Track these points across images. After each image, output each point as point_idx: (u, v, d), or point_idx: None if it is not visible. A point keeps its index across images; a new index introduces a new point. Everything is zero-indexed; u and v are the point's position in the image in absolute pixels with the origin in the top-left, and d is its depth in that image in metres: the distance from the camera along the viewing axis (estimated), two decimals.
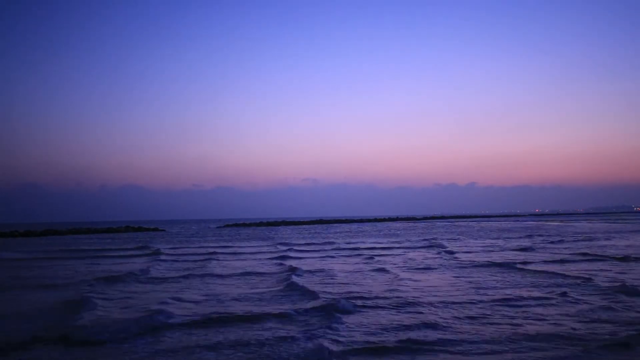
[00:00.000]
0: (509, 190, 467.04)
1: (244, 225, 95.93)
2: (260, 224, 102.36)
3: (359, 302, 11.23)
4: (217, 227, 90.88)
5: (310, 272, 17.48)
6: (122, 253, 29.56)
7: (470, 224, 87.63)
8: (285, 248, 30.60)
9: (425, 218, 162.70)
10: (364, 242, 35.21)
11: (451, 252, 25.08)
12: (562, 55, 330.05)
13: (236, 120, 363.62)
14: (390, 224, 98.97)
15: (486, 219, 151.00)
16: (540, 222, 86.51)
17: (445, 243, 32.30)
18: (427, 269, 18.18)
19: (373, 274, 16.77)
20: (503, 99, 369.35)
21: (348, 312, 10.18)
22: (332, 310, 10.14)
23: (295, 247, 30.99)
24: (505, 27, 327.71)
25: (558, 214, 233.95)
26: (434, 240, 35.29)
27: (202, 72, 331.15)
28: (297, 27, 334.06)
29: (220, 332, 8.73)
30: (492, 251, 25.64)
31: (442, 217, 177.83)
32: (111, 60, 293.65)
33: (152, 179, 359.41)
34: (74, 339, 8.33)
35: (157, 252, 28.64)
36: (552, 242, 31.48)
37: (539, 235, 40.30)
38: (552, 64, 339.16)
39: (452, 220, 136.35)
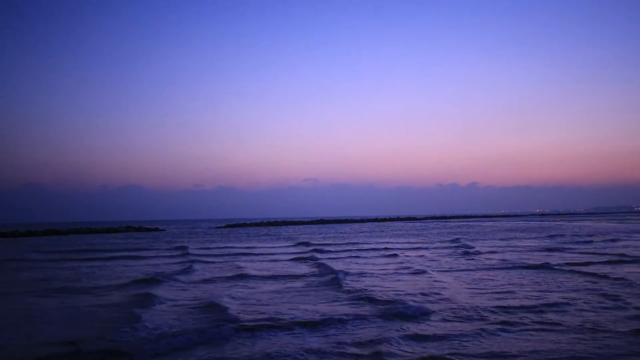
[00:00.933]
0: (509, 190, 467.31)
1: (251, 225, 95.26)
2: (267, 223, 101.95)
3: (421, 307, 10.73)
4: (219, 227, 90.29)
5: (347, 273, 16.86)
6: (151, 254, 28.78)
7: (479, 223, 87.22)
8: (309, 249, 30.01)
9: (426, 218, 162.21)
10: (387, 242, 34.73)
11: (479, 253, 24.75)
12: (563, 55, 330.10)
13: (237, 120, 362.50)
14: (398, 223, 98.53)
15: (489, 219, 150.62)
16: (545, 222, 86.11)
17: (469, 243, 31.84)
18: (466, 270, 17.66)
19: (414, 276, 16.10)
20: (504, 99, 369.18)
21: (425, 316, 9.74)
22: (405, 315, 9.71)
23: (319, 248, 30.39)
24: (505, 27, 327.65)
25: (558, 214, 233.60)
26: (458, 241, 34.71)
27: (203, 72, 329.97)
28: (299, 26, 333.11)
29: (307, 336, 8.21)
30: (521, 251, 25.19)
31: (443, 218, 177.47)
32: (112, 60, 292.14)
33: (152, 179, 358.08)
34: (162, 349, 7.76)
35: (186, 253, 28.12)
36: (578, 242, 30.96)
37: (560, 235, 39.77)
38: (553, 63, 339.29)
39: (459, 220, 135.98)
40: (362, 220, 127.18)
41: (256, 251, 29.13)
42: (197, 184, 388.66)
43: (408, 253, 25.53)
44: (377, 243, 34.33)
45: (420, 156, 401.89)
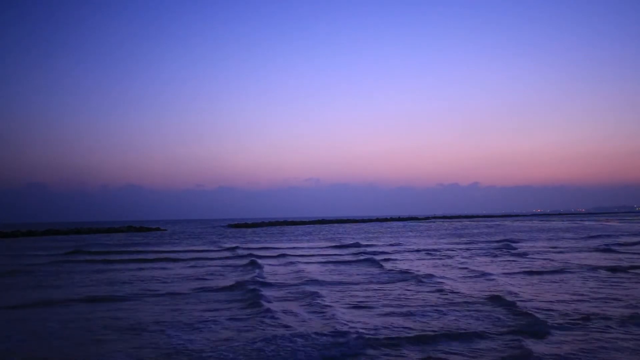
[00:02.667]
0: (510, 190, 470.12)
1: (262, 225, 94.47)
2: (277, 223, 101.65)
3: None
4: (229, 226, 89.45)
5: (418, 275, 16.08)
6: (210, 255, 27.65)
7: (500, 223, 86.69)
8: (357, 250, 29.08)
9: (427, 218, 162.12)
10: (427, 243, 33.94)
11: (525, 254, 24.17)
12: (563, 55, 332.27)
13: (239, 120, 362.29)
14: (411, 223, 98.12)
15: (491, 219, 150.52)
16: (547, 222, 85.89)
17: (512, 244, 31.13)
18: (551, 272, 16.84)
19: (487, 282, 15.30)
20: (505, 100, 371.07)
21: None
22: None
23: (367, 249, 29.56)
24: (506, 28, 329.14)
25: (559, 214, 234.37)
26: (509, 242, 33.89)
27: (204, 72, 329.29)
28: (300, 27, 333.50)
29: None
30: (578, 252, 24.59)
31: (446, 217, 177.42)
32: (113, 60, 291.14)
33: (153, 179, 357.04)
34: None
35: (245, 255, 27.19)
36: (625, 244, 30.21)
37: (598, 236, 39.09)
38: (554, 64, 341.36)
39: (470, 219, 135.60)
40: (365, 220, 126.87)
41: (301, 252, 28.29)
42: (198, 184, 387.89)
43: (464, 254, 24.83)
44: (422, 244, 33.57)
45: (421, 156, 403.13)
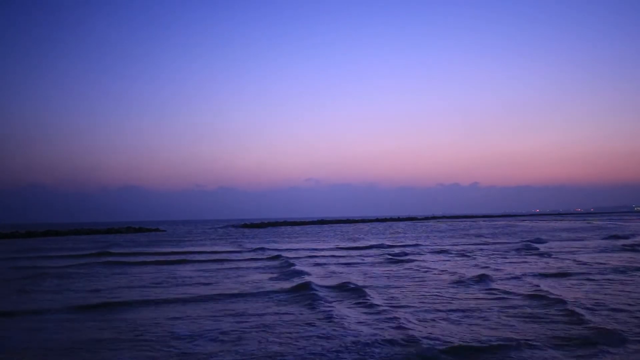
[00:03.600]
0: (510, 190, 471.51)
1: (270, 225, 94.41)
2: (287, 223, 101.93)
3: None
4: (238, 226, 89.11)
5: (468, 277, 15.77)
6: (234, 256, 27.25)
7: (502, 223, 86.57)
8: (382, 252, 28.76)
9: (426, 218, 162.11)
10: (444, 243, 33.66)
11: (550, 253, 24.07)
12: (563, 55, 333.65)
13: (238, 120, 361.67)
14: (424, 223, 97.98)
15: (492, 219, 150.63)
16: (558, 222, 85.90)
17: (534, 244, 30.82)
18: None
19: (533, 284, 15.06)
20: (505, 100, 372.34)
21: None
22: None
23: (391, 249, 29.27)
24: (507, 28, 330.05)
25: (559, 214, 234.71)
26: (525, 242, 33.66)
27: (204, 73, 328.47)
28: (300, 27, 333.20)
29: None
30: (604, 252, 24.55)
31: (444, 217, 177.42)
32: (112, 61, 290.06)
33: (153, 179, 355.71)
34: None
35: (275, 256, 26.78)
36: None
37: (616, 237, 38.86)
38: (553, 64, 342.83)
39: (473, 219, 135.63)
40: (366, 221, 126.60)
41: (324, 253, 28.00)
42: (198, 184, 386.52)
43: (493, 256, 24.58)
44: (444, 245, 33.31)
45: (421, 156, 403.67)
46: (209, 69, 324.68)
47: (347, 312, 10.67)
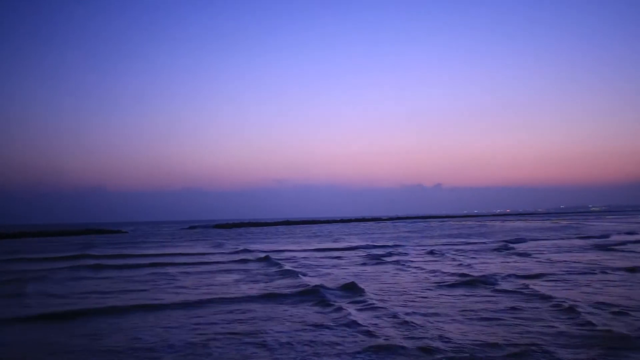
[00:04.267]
0: (473, 191, 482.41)
1: (246, 225, 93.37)
2: (256, 224, 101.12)
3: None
4: (204, 227, 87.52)
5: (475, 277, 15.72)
6: (214, 258, 26.63)
7: (469, 223, 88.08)
8: (367, 252, 28.59)
9: (390, 219, 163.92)
10: (424, 244, 33.78)
11: (530, 253, 24.40)
12: (525, 57, 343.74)
13: (204, 122, 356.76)
14: (394, 223, 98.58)
15: (462, 219, 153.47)
16: (524, 222, 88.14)
17: (511, 245, 31.17)
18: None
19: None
20: (467, 102, 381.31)
21: None
22: None
23: (372, 250, 29.14)
24: (468, 29, 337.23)
25: (519, 214, 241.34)
26: (501, 242, 34.07)
27: (170, 72, 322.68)
28: (267, 28, 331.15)
29: None
30: (587, 251, 25.00)
31: (407, 217, 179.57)
32: (75, 57, 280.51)
33: (116, 180, 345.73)
34: None
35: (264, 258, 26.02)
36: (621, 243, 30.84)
37: (589, 237, 39.94)
38: (515, 66, 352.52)
39: (438, 220, 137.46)
40: (331, 222, 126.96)
41: (313, 254, 27.55)
42: (163, 185, 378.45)
43: (476, 256, 24.77)
44: (423, 245, 33.42)
45: (385, 158, 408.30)
46: (177, 68, 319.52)
47: (364, 315, 10.40)
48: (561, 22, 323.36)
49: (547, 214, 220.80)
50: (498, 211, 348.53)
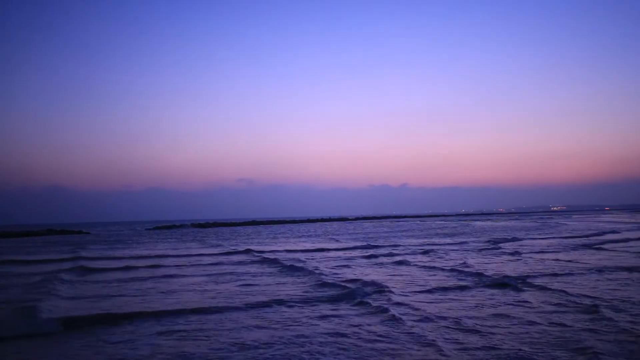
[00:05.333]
0: (439, 191, 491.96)
1: (221, 225, 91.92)
2: (232, 224, 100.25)
3: None
4: (190, 226, 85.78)
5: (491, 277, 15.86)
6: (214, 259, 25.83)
7: (447, 223, 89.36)
8: (370, 252, 28.44)
9: (357, 218, 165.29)
10: (411, 243, 33.96)
11: (521, 252, 24.81)
12: (491, 59, 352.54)
13: (170, 121, 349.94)
14: (367, 223, 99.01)
15: (433, 218, 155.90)
16: (502, 222, 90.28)
17: (501, 244, 31.70)
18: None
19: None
20: (432, 103, 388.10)
21: None
22: None
23: (377, 250, 29.04)
24: (434, 30, 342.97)
25: (482, 214, 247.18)
26: (491, 241, 34.66)
27: (134, 71, 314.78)
28: (237, 27, 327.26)
29: None
30: (574, 250, 25.50)
31: (374, 218, 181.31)
32: (36, 52, 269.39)
33: (78, 180, 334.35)
34: None
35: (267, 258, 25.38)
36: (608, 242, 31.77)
37: (576, 236, 41.10)
38: (480, 68, 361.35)
39: (403, 220, 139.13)
40: (305, 221, 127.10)
41: (323, 254, 27.13)
42: (126, 185, 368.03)
43: (477, 256, 25.06)
44: (412, 243, 33.55)
45: (353, 158, 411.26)
46: (140, 67, 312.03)
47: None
48: (529, 25, 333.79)
49: (510, 214, 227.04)
50: (463, 211, 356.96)
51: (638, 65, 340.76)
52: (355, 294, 12.97)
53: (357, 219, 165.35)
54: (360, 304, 11.81)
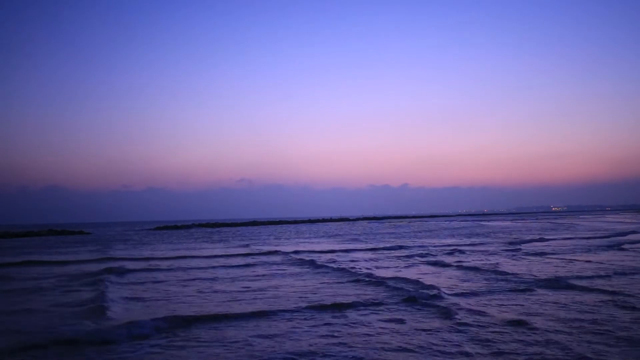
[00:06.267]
0: (439, 191, 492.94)
1: (230, 225, 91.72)
2: (241, 224, 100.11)
3: None
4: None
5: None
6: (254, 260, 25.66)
7: (467, 223, 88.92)
8: (404, 253, 28.32)
9: (357, 219, 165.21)
10: (445, 243, 33.89)
11: (548, 253, 24.54)
12: (491, 59, 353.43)
13: (169, 121, 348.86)
14: (375, 224, 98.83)
15: (444, 218, 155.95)
16: (515, 222, 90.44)
17: (523, 245, 31.49)
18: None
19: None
20: (432, 103, 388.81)
21: None
22: None
23: (405, 251, 28.95)
24: (435, 31, 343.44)
25: (484, 214, 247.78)
26: (513, 242, 34.49)
27: (132, 71, 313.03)
28: (235, 28, 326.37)
29: None
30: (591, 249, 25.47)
31: (374, 218, 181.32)
32: (36, 55, 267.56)
33: (78, 180, 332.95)
34: None
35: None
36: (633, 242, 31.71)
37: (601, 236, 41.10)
38: (481, 68, 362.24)
39: (407, 220, 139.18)
40: (306, 221, 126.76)
41: (359, 255, 26.89)
42: (125, 185, 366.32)
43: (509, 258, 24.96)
44: (457, 245, 33.47)
45: (353, 158, 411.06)
46: (140, 67, 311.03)
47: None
48: (529, 25, 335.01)
49: (512, 214, 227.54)
50: (464, 211, 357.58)
51: (638, 65, 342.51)
52: (421, 296, 12.73)
53: (357, 219, 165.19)
54: (430, 306, 11.63)
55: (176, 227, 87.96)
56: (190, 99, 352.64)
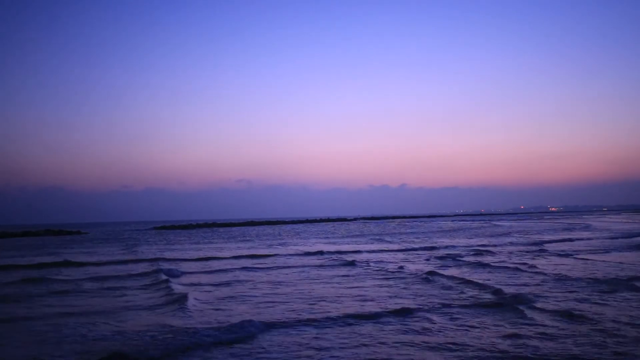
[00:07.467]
0: (438, 191, 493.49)
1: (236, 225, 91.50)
2: (245, 223, 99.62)
3: None
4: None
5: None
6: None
7: (475, 224, 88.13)
8: (434, 254, 28.38)
9: (355, 219, 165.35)
10: (465, 243, 34.03)
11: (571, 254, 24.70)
12: (490, 59, 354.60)
13: (168, 121, 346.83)
14: (373, 224, 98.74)
15: (433, 219, 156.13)
16: (524, 222, 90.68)
17: (545, 245, 31.68)
18: None
19: None
20: (432, 103, 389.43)
21: None
22: None
23: (438, 252, 29.07)
24: (434, 31, 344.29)
25: (481, 214, 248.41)
26: (537, 243, 34.50)
27: (132, 71, 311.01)
28: (234, 28, 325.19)
29: None
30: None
31: (373, 218, 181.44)
32: (35, 54, 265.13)
33: (76, 180, 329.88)
34: None
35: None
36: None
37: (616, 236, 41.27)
38: (480, 68, 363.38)
39: (407, 220, 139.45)
40: (303, 221, 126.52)
41: (390, 255, 26.80)
42: (124, 185, 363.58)
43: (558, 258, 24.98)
44: (480, 245, 33.61)
45: (353, 158, 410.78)
46: (139, 67, 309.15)
47: None
48: (528, 25, 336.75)
49: (513, 214, 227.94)
50: (462, 211, 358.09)
51: (637, 66, 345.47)
52: (512, 301, 12.37)
53: (355, 219, 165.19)
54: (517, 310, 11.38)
55: (176, 227, 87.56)
56: (190, 99, 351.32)
